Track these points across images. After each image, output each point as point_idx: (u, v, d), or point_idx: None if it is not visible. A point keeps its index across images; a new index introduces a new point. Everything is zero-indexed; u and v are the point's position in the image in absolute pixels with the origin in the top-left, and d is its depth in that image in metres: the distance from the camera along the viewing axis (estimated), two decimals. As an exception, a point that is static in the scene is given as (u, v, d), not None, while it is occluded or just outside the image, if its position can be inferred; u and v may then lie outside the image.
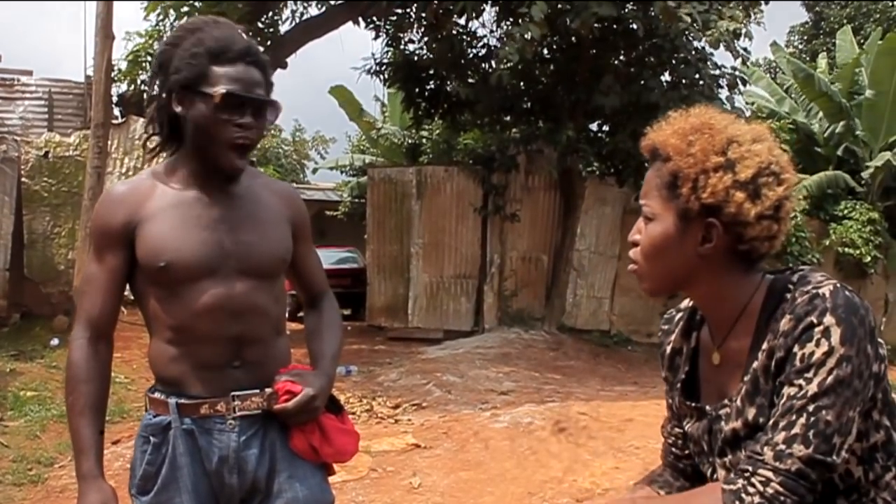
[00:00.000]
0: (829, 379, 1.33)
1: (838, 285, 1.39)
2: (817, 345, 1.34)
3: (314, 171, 29.94)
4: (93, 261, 2.08)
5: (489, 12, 12.31)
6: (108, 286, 2.05)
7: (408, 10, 11.84)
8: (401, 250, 14.17)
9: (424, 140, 18.07)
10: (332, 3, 12.93)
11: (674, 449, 1.73)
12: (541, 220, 13.94)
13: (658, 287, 1.53)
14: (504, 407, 7.87)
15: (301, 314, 2.50)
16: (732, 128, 1.45)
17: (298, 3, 13.48)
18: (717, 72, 12.70)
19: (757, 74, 19.47)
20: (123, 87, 12.90)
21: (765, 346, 1.42)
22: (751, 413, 1.43)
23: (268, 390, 2.06)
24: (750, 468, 1.36)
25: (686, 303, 1.65)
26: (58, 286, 11.89)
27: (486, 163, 13.71)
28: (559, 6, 10.55)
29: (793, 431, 1.34)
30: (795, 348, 1.36)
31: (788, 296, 1.41)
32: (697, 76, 12.31)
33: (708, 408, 1.54)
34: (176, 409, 2.03)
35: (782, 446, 1.34)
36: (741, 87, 12.99)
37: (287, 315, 2.44)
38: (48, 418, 7.01)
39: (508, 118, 14.41)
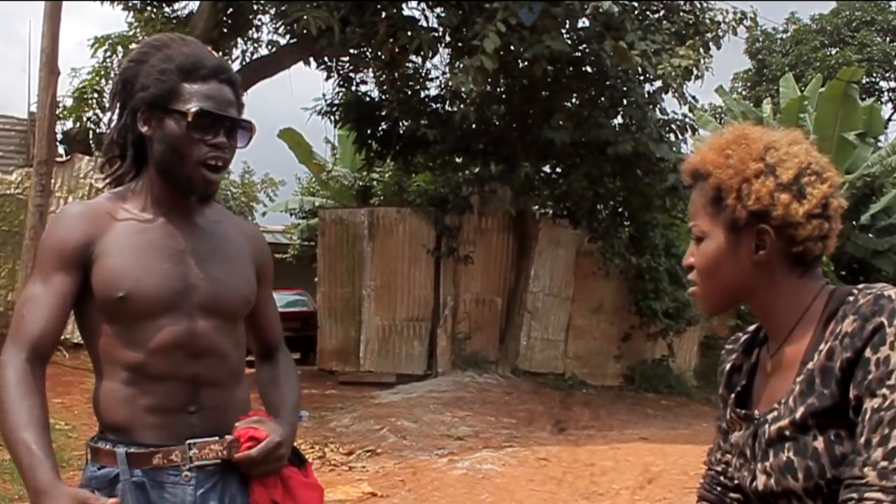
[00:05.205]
0: None
1: None
2: (892, 348, 1.28)
3: (263, 213, 29.75)
4: (37, 281, 1.85)
5: (442, 53, 12.29)
6: (53, 308, 1.82)
7: (362, 48, 11.74)
8: (352, 293, 13.92)
9: (375, 182, 17.92)
10: (283, 43, 12.79)
11: (722, 478, 1.61)
12: (494, 262, 13.82)
13: (717, 305, 1.52)
14: (461, 453, 7.67)
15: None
16: (768, 136, 1.47)
17: (248, 43, 13.35)
18: (667, 117, 12.80)
19: (704, 118, 19.75)
20: (68, 124, 12.53)
21: (822, 346, 1.35)
22: (799, 411, 1.35)
23: (228, 437, 1.87)
24: (855, 496, 1.25)
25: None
26: (-5, 329, 11.44)
27: (440, 204, 13.59)
28: (511, 45, 10.54)
29: (891, 445, 1.24)
30: (868, 352, 1.29)
31: (851, 298, 1.37)
32: (646, 120, 12.36)
33: (756, 412, 1.48)
34: (125, 459, 1.81)
35: (884, 463, 1.24)
36: (689, 132, 13.06)
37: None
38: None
39: (461, 159, 14.36)
